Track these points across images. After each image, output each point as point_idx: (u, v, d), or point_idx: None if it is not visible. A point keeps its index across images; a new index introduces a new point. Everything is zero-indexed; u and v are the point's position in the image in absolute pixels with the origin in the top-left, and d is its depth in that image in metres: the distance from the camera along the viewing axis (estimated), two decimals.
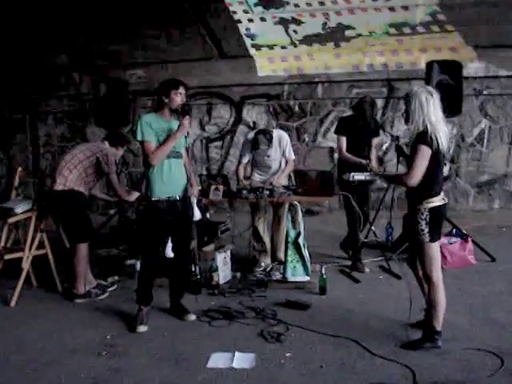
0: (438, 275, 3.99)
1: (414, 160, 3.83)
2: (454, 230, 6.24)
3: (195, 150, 10.26)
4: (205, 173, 9.72)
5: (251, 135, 6.23)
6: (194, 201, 5.81)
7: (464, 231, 6.31)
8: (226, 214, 7.54)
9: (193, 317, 4.84)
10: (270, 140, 6.01)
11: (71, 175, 5.29)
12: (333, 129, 8.52)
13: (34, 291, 5.72)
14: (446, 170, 8.86)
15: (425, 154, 3.80)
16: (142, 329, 4.60)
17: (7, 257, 5.40)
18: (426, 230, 3.91)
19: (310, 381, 3.65)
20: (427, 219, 3.90)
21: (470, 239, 6.15)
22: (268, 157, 6.15)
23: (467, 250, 6.05)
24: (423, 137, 3.83)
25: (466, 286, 5.38)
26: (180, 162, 4.73)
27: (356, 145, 6.03)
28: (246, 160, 6.28)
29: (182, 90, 4.56)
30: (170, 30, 9.63)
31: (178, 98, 4.56)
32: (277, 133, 6.22)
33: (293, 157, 6.28)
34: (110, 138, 5.61)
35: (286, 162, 6.24)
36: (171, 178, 4.63)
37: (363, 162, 5.88)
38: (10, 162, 10.79)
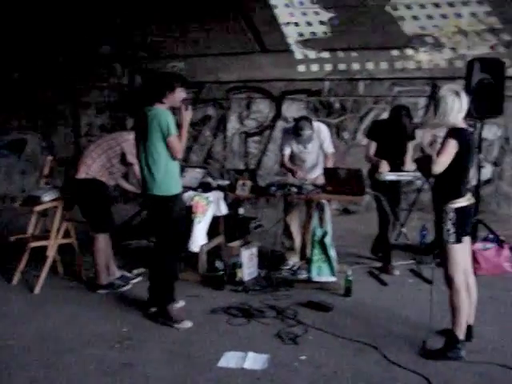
0: (460, 279, 3.85)
1: (442, 150, 3.73)
2: (490, 236, 5.99)
3: (233, 145, 10.18)
4: (241, 167, 9.66)
5: (290, 125, 6.10)
6: (221, 195, 5.77)
7: (502, 237, 6.04)
8: (260, 210, 7.47)
9: (182, 302, 4.88)
10: (311, 125, 5.79)
11: (94, 164, 5.27)
12: None
13: (59, 280, 5.75)
14: (487, 173, 8.55)
15: (451, 146, 3.71)
16: (189, 324, 4.52)
17: (33, 244, 5.44)
18: (452, 231, 3.79)
19: None
20: (453, 219, 3.78)
21: (506, 245, 5.88)
22: (305, 148, 5.97)
23: (503, 256, 5.79)
24: (451, 132, 3.76)
25: (499, 295, 5.13)
26: None
27: (389, 150, 5.79)
28: (288, 151, 6.03)
29: (184, 87, 4.51)
30: (210, 23, 9.55)
31: (182, 94, 4.49)
32: (316, 125, 5.96)
33: (332, 150, 6.04)
34: None
35: (325, 157, 6.06)
36: (178, 172, 4.64)
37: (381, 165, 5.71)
38: (52, 152, 10.89)
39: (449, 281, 3.89)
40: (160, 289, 4.70)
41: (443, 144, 3.75)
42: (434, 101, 3.88)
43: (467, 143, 3.77)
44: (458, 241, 3.80)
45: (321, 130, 5.94)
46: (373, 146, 5.91)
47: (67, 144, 11.00)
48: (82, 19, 9.79)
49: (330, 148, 6.00)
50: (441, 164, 3.72)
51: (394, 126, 5.75)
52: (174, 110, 4.53)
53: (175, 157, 4.44)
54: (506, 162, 8.83)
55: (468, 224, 3.93)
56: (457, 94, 3.77)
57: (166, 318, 4.57)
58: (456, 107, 3.75)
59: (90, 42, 10.25)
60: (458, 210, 3.78)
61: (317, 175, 5.95)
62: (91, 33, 10.06)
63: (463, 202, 3.81)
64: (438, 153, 3.76)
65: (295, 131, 5.76)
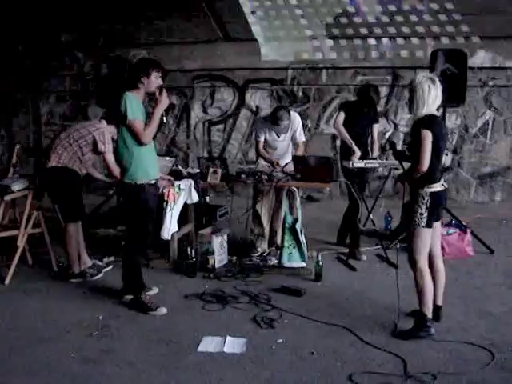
0: (424, 261, 4.00)
1: (421, 145, 3.82)
2: (453, 221, 6.20)
3: (197, 133, 10.20)
4: (205, 155, 9.68)
5: (265, 113, 6.16)
6: (192, 183, 5.80)
7: (463, 222, 6.26)
8: (225, 198, 7.52)
9: (156, 289, 4.99)
10: (290, 115, 5.88)
11: (65, 153, 5.23)
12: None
13: (30, 270, 5.69)
14: (447, 161, 8.79)
15: (428, 138, 3.81)
16: (164, 310, 4.56)
17: (2, 234, 5.37)
18: (425, 215, 3.92)
19: (300, 367, 3.64)
20: (427, 204, 3.90)
21: (468, 230, 6.11)
22: (278, 137, 6.04)
23: (465, 241, 6.01)
24: (424, 122, 3.86)
25: (463, 278, 5.34)
26: (153, 144, 4.65)
27: (355, 131, 5.95)
28: (263, 138, 6.10)
29: (161, 73, 4.45)
30: (174, 11, 9.50)
31: (158, 81, 4.43)
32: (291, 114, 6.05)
33: (303, 139, 6.19)
34: (108, 116, 5.55)
35: (296, 146, 6.15)
36: (154, 160, 4.62)
37: (355, 148, 5.86)
38: (11, 140, 10.73)
39: (413, 263, 4.03)
40: (129, 278, 4.73)
41: (418, 137, 3.84)
42: (410, 89, 3.98)
43: (440, 130, 3.90)
44: (429, 225, 3.94)
45: (294, 119, 6.03)
46: (342, 116, 6.03)
47: (27, 133, 10.84)
48: (42, 7, 9.61)
49: (301, 137, 6.12)
50: (426, 160, 3.81)
51: (362, 103, 5.89)
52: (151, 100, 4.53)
53: (139, 141, 4.36)
54: (465, 150, 9.10)
55: (440, 209, 4.08)
56: (432, 81, 3.89)
57: (141, 306, 4.59)
58: (432, 94, 3.86)
59: (51, 29, 10.08)
60: (433, 195, 3.91)
61: (286, 162, 6.04)
62: (52, 21, 9.88)
63: (438, 186, 3.94)
64: (414, 148, 3.88)
65: (273, 120, 5.83)
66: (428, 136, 3.80)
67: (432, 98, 3.86)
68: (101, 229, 6.99)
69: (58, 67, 10.40)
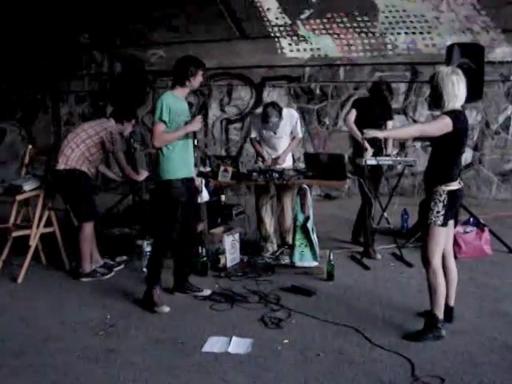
0: (438, 261, 3.89)
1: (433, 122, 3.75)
2: (471, 219, 6.06)
3: (214, 131, 10.19)
4: (223, 154, 9.66)
5: (259, 110, 6.13)
6: (203, 182, 5.75)
7: (481, 220, 6.12)
8: (242, 197, 7.47)
9: (208, 291, 4.92)
10: (280, 112, 5.80)
11: (73, 154, 5.24)
12: None
13: (43, 269, 5.71)
14: (468, 157, 8.64)
15: (443, 124, 3.70)
16: (166, 309, 4.57)
17: (15, 234, 5.39)
18: (442, 213, 3.80)
19: (304, 368, 3.57)
20: (445, 202, 3.79)
21: (486, 229, 5.97)
22: (275, 134, 5.96)
23: (483, 239, 5.87)
24: (450, 113, 3.73)
25: (479, 277, 5.21)
26: (191, 142, 4.69)
27: (368, 127, 5.85)
28: (254, 135, 6.11)
29: (203, 71, 4.58)
30: (190, 10, 9.51)
31: (202, 78, 4.57)
32: (287, 111, 6.03)
33: (300, 135, 6.14)
34: (115, 114, 5.54)
35: (292, 138, 6.10)
36: (187, 158, 4.64)
37: (366, 145, 5.67)
38: (31, 140, 10.82)
39: (426, 262, 3.92)
40: (150, 270, 4.75)
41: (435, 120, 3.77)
42: (432, 84, 3.84)
43: (463, 126, 3.78)
44: (445, 224, 3.83)
45: (293, 116, 6.01)
46: (353, 114, 5.96)
47: (47, 133, 10.93)
48: (59, 7, 9.67)
49: (299, 133, 6.09)
50: (426, 130, 3.80)
51: (375, 100, 5.84)
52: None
53: (152, 141, 4.50)
54: (486, 146, 8.93)
55: (456, 208, 3.97)
56: (457, 74, 3.77)
57: (149, 301, 4.59)
58: (461, 87, 3.75)
59: (69, 30, 10.13)
60: (450, 193, 3.80)
61: (290, 164, 6.00)
62: (70, 21, 9.93)
63: (455, 185, 3.83)
64: (436, 142, 3.81)
65: (263, 117, 5.79)
66: (445, 122, 3.68)
67: (461, 91, 3.75)
68: (116, 228, 7.00)
69: (77, 67, 10.46)
